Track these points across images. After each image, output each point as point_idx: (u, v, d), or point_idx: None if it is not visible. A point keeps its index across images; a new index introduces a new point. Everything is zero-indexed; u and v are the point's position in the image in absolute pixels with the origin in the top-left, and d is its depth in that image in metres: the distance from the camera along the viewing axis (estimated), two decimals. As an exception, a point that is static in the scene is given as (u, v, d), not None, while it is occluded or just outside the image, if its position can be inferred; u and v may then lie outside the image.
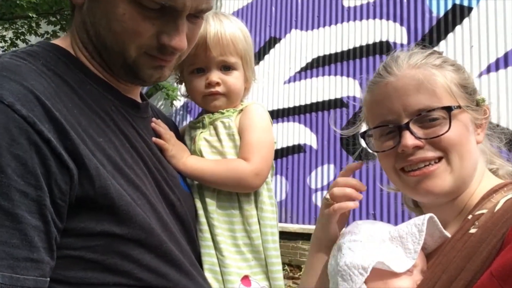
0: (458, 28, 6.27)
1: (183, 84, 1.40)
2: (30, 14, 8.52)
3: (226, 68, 1.31)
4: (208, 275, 1.15)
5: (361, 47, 7.11)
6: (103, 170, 0.85)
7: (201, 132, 1.30)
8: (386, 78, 1.01)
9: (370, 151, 1.11)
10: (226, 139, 1.28)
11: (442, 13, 6.45)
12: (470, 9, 6.23)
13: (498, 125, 1.10)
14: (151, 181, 1.00)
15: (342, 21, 7.37)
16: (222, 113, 1.31)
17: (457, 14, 6.31)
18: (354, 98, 7.05)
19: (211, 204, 1.22)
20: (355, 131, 1.17)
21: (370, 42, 7.02)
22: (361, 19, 7.19)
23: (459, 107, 0.97)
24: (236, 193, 1.24)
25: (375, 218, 6.52)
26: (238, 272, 1.18)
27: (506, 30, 5.88)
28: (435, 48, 1.11)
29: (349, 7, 7.33)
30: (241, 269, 1.19)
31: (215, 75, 1.30)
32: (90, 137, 0.88)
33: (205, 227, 1.20)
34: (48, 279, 0.79)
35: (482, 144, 1.03)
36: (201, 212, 1.22)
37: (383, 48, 6.88)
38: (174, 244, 0.97)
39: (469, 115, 0.99)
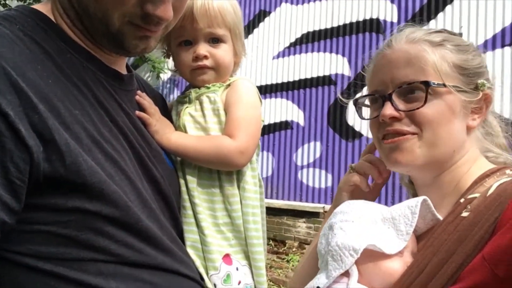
0: (448, 7, 6.23)
1: (171, 58, 1.35)
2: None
3: (214, 40, 1.26)
4: (190, 251, 1.14)
5: (351, 24, 7.05)
6: (75, 145, 0.81)
7: (186, 107, 1.27)
8: (384, 50, 1.05)
9: (360, 117, 1.15)
10: (211, 115, 1.24)
11: (433, -8, 6.40)
12: (461, -12, 6.18)
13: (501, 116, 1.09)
14: (131, 156, 0.96)
15: (332, -3, 7.27)
16: (208, 88, 1.27)
17: (448, -7, 6.27)
18: (343, 75, 7.03)
19: (192, 181, 1.19)
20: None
21: (360, 19, 6.96)
22: (352, -5, 7.10)
23: (443, 85, 0.96)
24: (217, 171, 1.21)
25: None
26: (220, 250, 1.16)
27: (496, 11, 5.87)
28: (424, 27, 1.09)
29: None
30: (222, 247, 1.17)
31: (203, 48, 1.25)
32: (66, 108, 0.83)
33: (187, 203, 1.18)
34: None
35: (478, 131, 1.02)
36: (184, 188, 1.19)
37: (373, 25, 6.83)
38: (153, 220, 0.95)
39: (459, 97, 0.97)
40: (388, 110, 0.98)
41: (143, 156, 1.01)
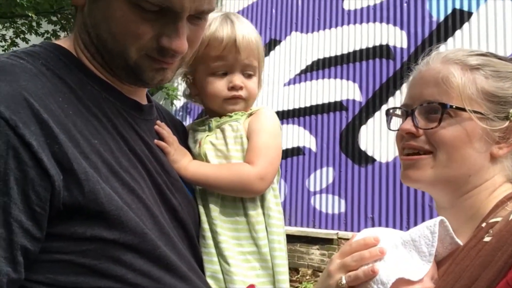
0: (458, 32, 6.28)
1: (189, 84, 1.35)
2: (30, 14, 8.51)
3: (247, 72, 1.30)
4: (210, 282, 1.13)
5: (361, 50, 7.12)
6: (93, 173, 0.83)
7: (207, 136, 1.28)
8: (422, 67, 1.06)
9: (388, 128, 1.16)
10: (233, 143, 1.25)
11: (442, 18, 6.46)
12: (470, 14, 6.24)
13: None
14: (149, 184, 0.98)
15: (342, 24, 7.37)
16: (231, 116, 1.29)
17: (457, 19, 6.32)
18: (354, 101, 7.05)
19: (214, 210, 1.19)
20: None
21: (370, 45, 7.03)
22: (361, 22, 7.19)
23: (461, 109, 0.95)
24: (241, 199, 1.21)
25: (373, 222, 6.52)
26: (244, 281, 1.15)
27: (506, 35, 5.89)
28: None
29: (349, 10, 7.34)
30: (247, 277, 1.16)
31: (239, 79, 1.28)
32: (85, 138, 0.86)
33: (207, 233, 1.18)
34: None
35: (506, 160, 0.99)
36: (204, 218, 1.19)
37: (383, 51, 6.89)
38: (171, 248, 0.95)
39: (481, 123, 0.95)
40: (407, 125, 1.01)
41: (161, 184, 1.02)
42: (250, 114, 1.30)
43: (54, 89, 0.86)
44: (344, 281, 0.92)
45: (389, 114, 1.15)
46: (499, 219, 0.89)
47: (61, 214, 0.80)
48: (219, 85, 1.28)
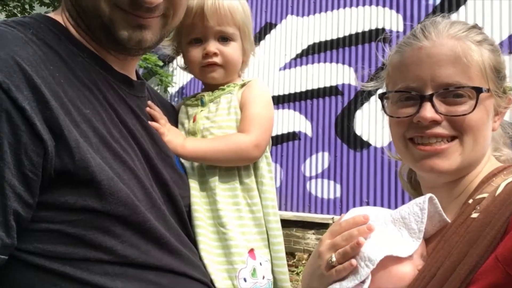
0: (454, 16, 6.23)
1: (181, 55, 1.38)
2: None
3: (224, 39, 1.30)
4: (218, 247, 1.15)
5: (357, 34, 7.06)
6: (84, 142, 0.83)
7: (201, 110, 1.29)
8: (422, 42, 0.96)
9: (386, 114, 1.05)
10: (226, 113, 1.27)
11: (438, 1, 6.41)
12: (466, -4, 6.19)
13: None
14: (140, 157, 0.97)
15: (338, 8, 7.30)
16: (223, 89, 1.31)
17: (453, 2, 6.27)
18: (350, 85, 7.02)
19: (213, 180, 1.21)
20: (375, 87, 1.14)
21: (366, 29, 6.97)
22: (357, 5, 7.12)
23: (488, 90, 0.92)
24: (236, 169, 1.23)
25: (368, 205, 6.55)
26: (246, 245, 1.17)
27: (502, 18, 5.86)
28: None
29: (347, -8, 7.26)
30: (248, 242, 1.19)
31: (213, 45, 1.28)
32: (76, 107, 0.85)
33: (203, 203, 1.19)
34: (5, 256, 0.75)
35: (495, 133, 1.01)
36: (197, 192, 1.20)
37: (379, 35, 6.84)
38: (162, 221, 0.95)
39: (494, 100, 0.95)
40: (429, 112, 0.92)
41: (153, 158, 1.01)
42: (243, 85, 1.31)
43: (45, 57, 0.85)
44: (334, 259, 0.92)
45: (384, 98, 1.05)
46: (485, 195, 0.88)
47: (51, 182, 0.79)
48: (194, 53, 1.30)
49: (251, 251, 1.19)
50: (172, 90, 8.90)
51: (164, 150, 1.10)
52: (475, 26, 0.99)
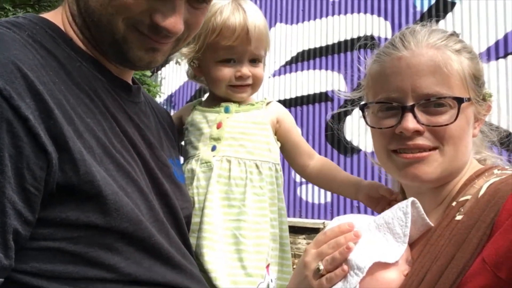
0: (441, 22, 6.32)
1: (194, 68, 1.36)
2: (7, 6, 8.29)
3: (254, 60, 1.32)
4: (234, 257, 1.15)
5: (345, 41, 7.13)
6: (88, 154, 0.76)
7: (227, 118, 1.29)
8: (401, 52, 0.95)
9: (367, 124, 1.04)
10: (257, 127, 1.29)
11: (426, 8, 6.49)
12: (453, 4, 6.28)
13: (491, 124, 1.07)
14: (142, 168, 0.92)
15: (327, 15, 7.36)
16: (252, 105, 1.34)
17: (441, 9, 6.36)
18: (339, 91, 7.06)
19: (243, 192, 1.21)
20: (354, 97, 1.14)
21: (355, 36, 7.04)
22: (345, 13, 7.19)
23: (469, 99, 0.93)
24: (265, 182, 1.24)
25: (358, 210, 6.57)
26: (267, 259, 1.18)
27: (488, 24, 5.95)
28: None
29: (333, 1, 7.33)
30: (268, 255, 1.19)
31: (247, 68, 1.30)
32: (78, 116, 0.79)
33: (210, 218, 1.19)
34: (1, 279, 0.69)
35: (475, 138, 1.01)
36: (212, 197, 1.20)
37: (367, 42, 6.90)
38: (164, 236, 0.91)
39: (474, 108, 0.95)
40: (411, 123, 0.91)
41: (154, 168, 0.97)
42: (266, 103, 1.36)
43: (44, 62, 0.79)
44: (321, 267, 0.89)
45: (365, 109, 1.04)
46: (468, 197, 0.88)
47: (53, 197, 0.73)
48: (227, 73, 1.29)
49: (268, 266, 1.19)
50: (160, 99, 8.87)
51: (162, 159, 1.04)
52: (453, 34, 0.99)
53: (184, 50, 1.29)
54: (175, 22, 0.87)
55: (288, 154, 1.38)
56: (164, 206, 0.97)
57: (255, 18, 1.27)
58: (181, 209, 1.04)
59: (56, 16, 0.92)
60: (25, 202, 0.70)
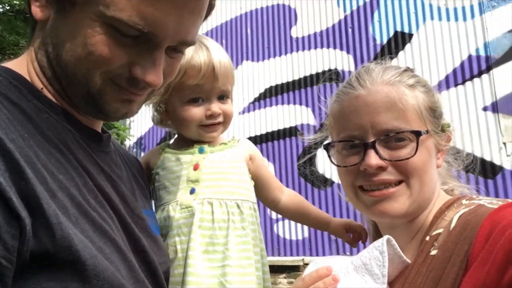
0: (401, 53, 6.56)
1: (161, 112, 1.31)
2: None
3: (222, 97, 1.29)
4: None
5: (311, 75, 7.28)
6: (63, 216, 0.70)
7: (204, 158, 1.26)
8: (358, 90, 0.98)
9: (333, 163, 1.06)
10: (233, 166, 1.27)
11: (385, 40, 6.74)
12: (410, 35, 6.55)
13: (457, 151, 1.09)
14: (118, 224, 0.85)
15: (291, 51, 7.54)
16: (225, 144, 1.31)
17: (399, 41, 6.62)
18: (308, 125, 7.14)
19: (225, 235, 1.16)
20: (319, 139, 1.15)
21: (320, 70, 7.21)
22: (309, 48, 7.39)
23: (427, 131, 0.95)
24: (247, 222, 1.21)
25: (337, 244, 6.52)
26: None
27: (445, 52, 6.21)
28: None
29: (297, 38, 7.53)
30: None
31: (216, 105, 1.27)
32: (50, 173, 0.73)
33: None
34: None
35: (441, 168, 1.02)
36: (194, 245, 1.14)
37: (332, 75, 7.08)
38: None
39: (434, 140, 0.97)
40: (374, 159, 0.93)
41: (130, 223, 0.90)
42: (237, 141, 1.37)
43: (10, 116, 0.73)
44: None
45: (330, 148, 1.06)
46: (440, 230, 0.89)
47: (25, 268, 0.65)
48: (197, 113, 1.26)
49: None
50: (130, 142, 8.75)
51: (137, 212, 0.97)
52: (407, 70, 1.02)
53: None
54: (155, 76, 0.83)
55: (260, 190, 1.36)
56: (142, 264, 0.90)
57: (219, 54, 1.26)
58: (159, 264, 0.97)
59: (21, 66, 0.86)
60: None
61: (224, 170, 1.24)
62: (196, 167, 1.23)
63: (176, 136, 1.39)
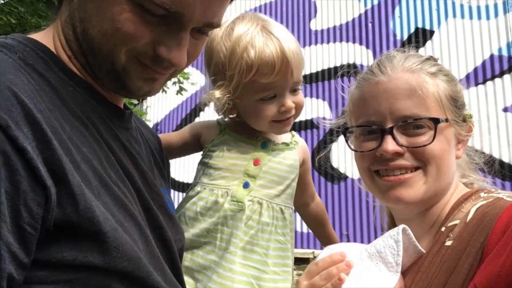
0: (421, 50, 6.47)
1: (229, 107, 1.23)
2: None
3: (295, 89, 1.23)
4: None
5: (329, 69, 7.24)
6: (86, 188, 0.71)
7: (266, 156, 1.23)
8: (378, 77, 0.98)
9: (350, 148, 1.06)
10: (289, 171, 1.25)
11: (405, 36, 6.66)
12: (432, 32, 6.46)
13: (476, 150, 1.09)
14: (137, 199, 0.87)
15: (310, 44, 7.50)
16: (287, 145, 1.28)
17: (420, 37, 6.53)
18: (324, 119, 7.12)
19: (267, 239, 1.18)
20: (338, 124, 1.15)
21: (338, 64, 7.16)
22: (328, 42, 7.34)
23: (446, 120, 0.95)
24: (288, 228, 1.22)
25: (348, 238, 6.52)
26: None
27: (466, 51, 6.12)
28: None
29: (316, 31, 7.48)
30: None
31: (290, 100, 1.21)
32: (75, 145, 0.74)
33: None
34: None
35: (460, 160, 1.02)
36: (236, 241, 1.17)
37: (350, 70, 7.02)
38: (160, 274, 0.85)
39: (454, 129, 0.97)
40: (391, 145, 0.93)
41: (148, 199, 0.91)
42: (296, 143, 1.33)
43: (38, 87, 0.74)
44: None
45: (348, 133, 1.06)
46: (457, 221, 0.88)
47: (49, 236, 0.67)
48: (270, 110, 1.20)
49: None
50: (147, 127, 8.83)
51: (155, 189, 0.98)
52: (429, 58, 1.02)
53: (217, 93, 1.19)
54: (180, 56, 0.84)
55: (296, 191, 1.32)
56: (158, 240, 0.91)
57: (289, 42, 1.17)
58: (174, 242, 0.99)
59: (47, 38, 0.87)
60: (21, 243, 0.64)
61: (282, 174, 1.22)
62: (256, 163, 1.20)
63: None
